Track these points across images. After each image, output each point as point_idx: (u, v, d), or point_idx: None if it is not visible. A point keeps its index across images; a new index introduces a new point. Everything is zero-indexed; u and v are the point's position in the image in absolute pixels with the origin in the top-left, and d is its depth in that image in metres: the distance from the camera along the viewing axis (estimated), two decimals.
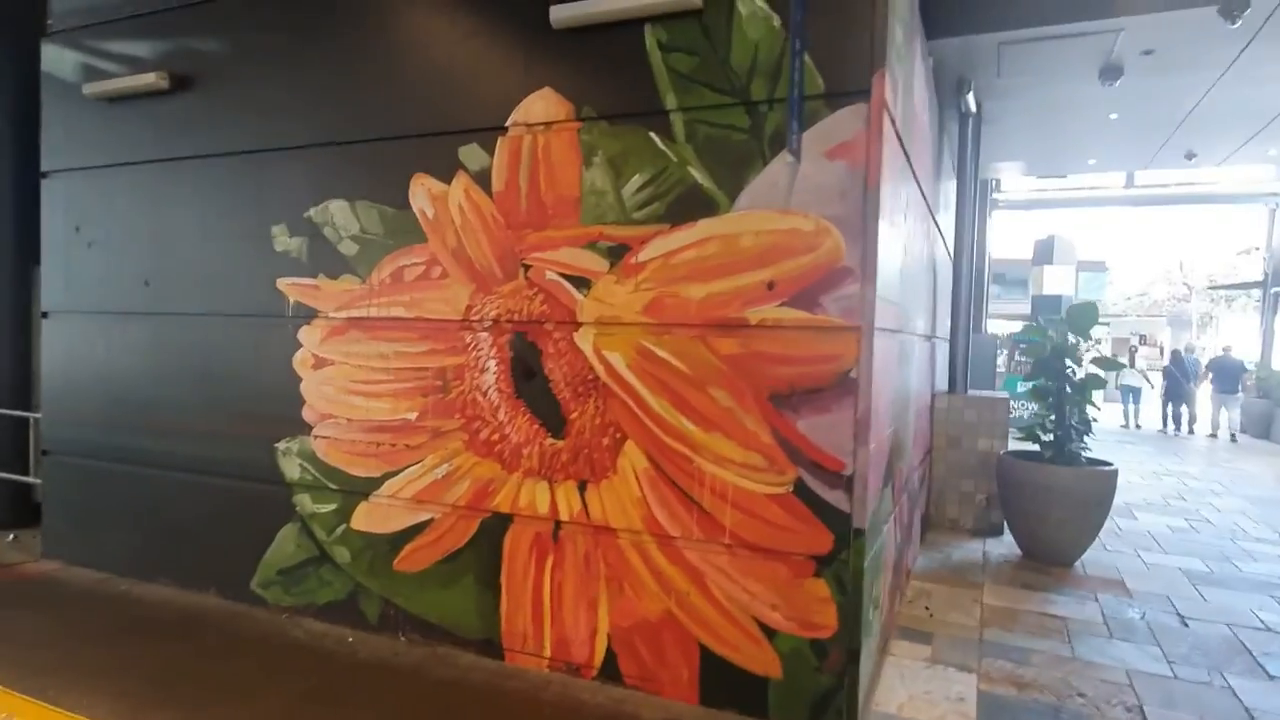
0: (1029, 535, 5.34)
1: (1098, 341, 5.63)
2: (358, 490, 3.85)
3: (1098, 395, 5.50)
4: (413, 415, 3.71)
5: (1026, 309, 18.08)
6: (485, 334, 3.54)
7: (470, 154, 3.55)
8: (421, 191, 3.66)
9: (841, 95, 2.91)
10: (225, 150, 4.17)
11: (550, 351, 3.41)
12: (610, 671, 3.32)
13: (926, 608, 4.32)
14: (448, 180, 3.60)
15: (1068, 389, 5.38)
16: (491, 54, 3.52)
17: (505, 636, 3.53)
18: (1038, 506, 5.21)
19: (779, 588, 3.02)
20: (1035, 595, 4.62)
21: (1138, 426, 15.42)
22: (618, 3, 3.16)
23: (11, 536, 5.24)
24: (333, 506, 3.91)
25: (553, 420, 3.41)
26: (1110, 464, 5.34)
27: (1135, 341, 21.55)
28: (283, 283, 4.03)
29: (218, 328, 4.23)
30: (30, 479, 5.06)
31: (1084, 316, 5.50)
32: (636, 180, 3.23)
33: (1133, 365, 16.91)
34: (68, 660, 3.42)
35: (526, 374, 3.43)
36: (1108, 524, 6.31)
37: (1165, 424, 14.55)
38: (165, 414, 4.42)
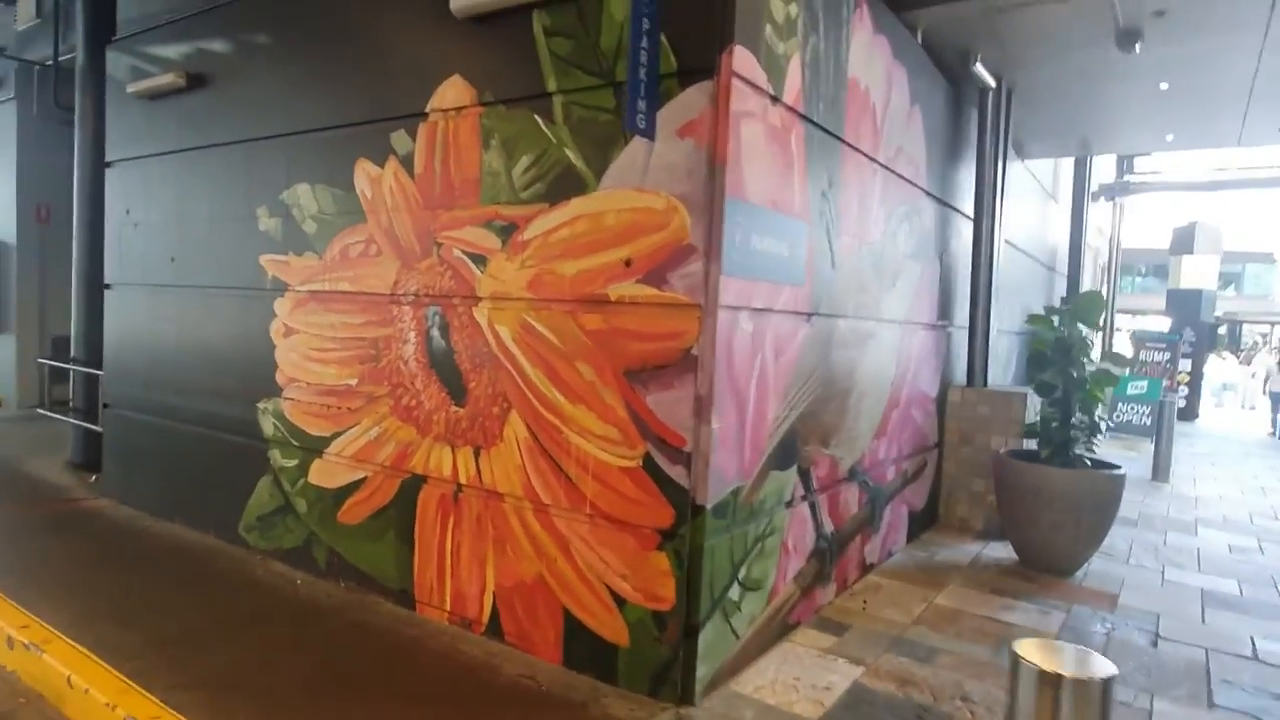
0: (1021, 540, 5.02)
1: (1120, 329, 5.11)
2: (314, 448, 4.24)
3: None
4: (353, 381, 4.05)
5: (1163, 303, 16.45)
6: (408, 308, 3.81)
7: (399, 140, 3.82)
8: (362, 175, 3.98)
9: (689, 73, 2.93)
10: (226, 140, 4.68)
11: (455, 325, 3.62)
12: (495, 628, 3.52)
13: (864, 601, 4.20)
14: (382, 164, 3.89)
15: (1074, 385, 4.98)
16: (415, 46, 3.76)
17: (417, 589, 3.80)
18: (1027, 509, 4.89)
19: (628, 559, 3.10)
20: (996, 601, 4.36)
21: None
22: None
23: (94, 478, 6.10)
24: (295, 461, 4.33)
25: (456, 389, 3.63)
26: (1117, 468, 4.91)
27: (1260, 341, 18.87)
28: (264, 259, 4.48)
29: (220, 299, 4.77)
30: (98, 428, 5.89)
31: (1090, 306, 5.07)
32: (524, 161, 3.37)
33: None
34: (57, 576, 4.02)
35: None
36: (1151, 538, 5.81)
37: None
38: (186, 375, 5.03)
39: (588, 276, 3.17)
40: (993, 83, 5.51)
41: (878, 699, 3.13)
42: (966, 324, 5.95)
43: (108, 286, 5.60)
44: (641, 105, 2.88)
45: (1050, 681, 1.45)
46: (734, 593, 3.21)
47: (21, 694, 3.14)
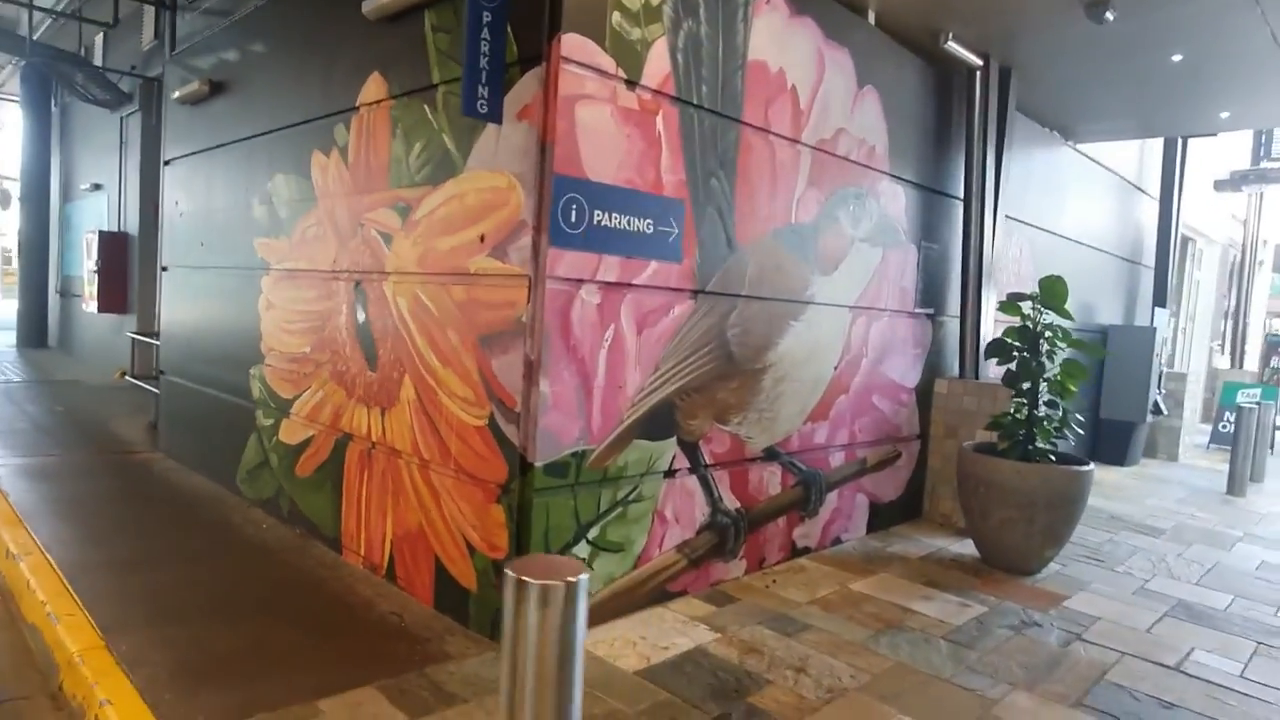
0: (976, 535, 4.83)
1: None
2: (283, 409, 4.77)
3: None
4: (307, 349, 4.54)
5: None
6: (341, 283, 4.25)
7: (339, 132, 4.25)
8: (316, 165, 4.45)
9: (527, 61, 3.15)
10: (234, 139, 5.32)
11: (372, 298, 4.01)
12: (390, 572, 3.87)
13: (773, 580, 4.23)
14: (328, 154, 4.35)
15: (1037, 376, 4.73)
16: (351, 47, 4.18)
17: (343, 536, 4.23)
18: (980, 503, 4.70)
19: (477, 511, 3.36)
20: (919, 591, 4.25)
21: None
22: None
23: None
24: (271, 421, 4.89)
25: (370, 356, 4.02)
26: (1085, 464, 4.62)
27: None
28: (256, 242, 5.08)
29: (229, 278, 5.42)
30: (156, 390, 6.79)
31: (1053, 293, 4.78)
32: (417, 148, 3.70)
33: None
34: (74, 507, 4.75)
35: None
36: (1167, 549, 5.41)
37: None
38: (208, 345, 5.74)
39: (455, 252, 3.46)
40: (977, 61, 5.29)
41: (707, 661, 3.22)
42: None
43: (164, 269, 6.46)
44: (483, 91, 3.13)
45: (522, 587, 1.58)
46: (581, 550, 3.39)
47: (2, 593, 3.81)
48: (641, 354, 3.54)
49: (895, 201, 5.08)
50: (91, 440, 6.64)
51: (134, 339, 8.36)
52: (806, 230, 4.37)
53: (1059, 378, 4.77)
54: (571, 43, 3.09)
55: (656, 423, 3.66)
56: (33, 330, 13.02)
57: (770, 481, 4.37)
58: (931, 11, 4.73)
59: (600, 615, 3.49)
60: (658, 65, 3.45)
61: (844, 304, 4.73)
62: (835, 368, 4.73)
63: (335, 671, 2.93)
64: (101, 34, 11.21)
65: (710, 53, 3.69)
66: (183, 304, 6.16)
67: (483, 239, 3.32)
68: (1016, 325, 4.91)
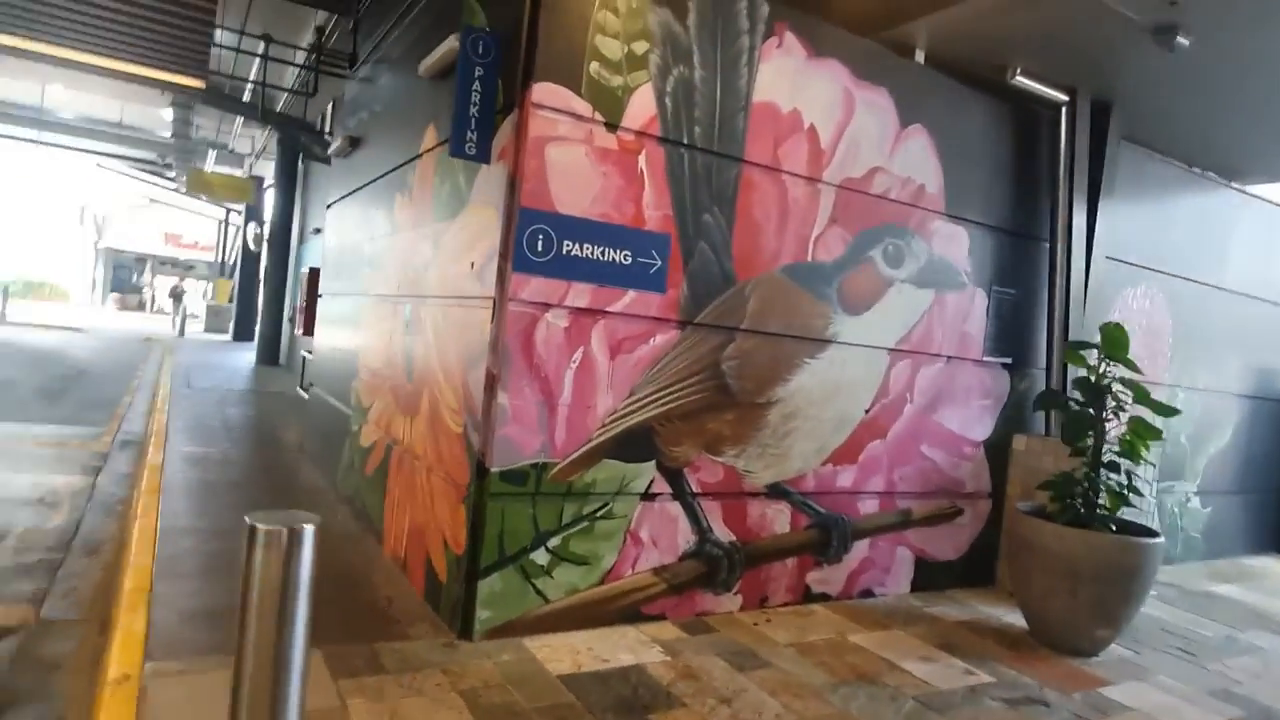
0: (1021, 605, 4.38)
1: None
2: (364, 415, 5.46)
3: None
4: (380, 364, 5.19)
5: None
6: (398, 306, 4.84)
7: (410, 177, 4.90)
8: (398, 205, 5.14)
9: (508, 108, 3.53)
10: (359, 185, 6.24)
11: (413, 318, 4.55)
12: (405, 564, 4.31)
13: (768, 619, 4.15)
14: (405, 196, 5.01)
15: (1101, 434, 4.25)
16: (419, 102, 4.83)
17: (384, 530, 4.75)
18: (1022, 568, 4.28)
19: (451, 510, 3.70)
20: (928, 652, 3.96)
21: None
22: (447, 51, 4.19)
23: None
24: (357, 427, 5.60)
25: (410, 370, 4.55)
26: (1153, 534, 4.07)
27: None
28: (363, 271, 5.89)
29: (348, 302, 6.30)
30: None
31: (1115, 341, 4.27)
32: (446, 186, 4.22)
33: None
34: (208, 489, 5.70)
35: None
36: None
37: None
38: (335, 361, 6.67)
39: (457, 276, 3.89)
40: (1061, 96, 4.94)
41: (636, 678, 3.29)
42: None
43: (319, 296, 7.59)
44: (471, 135, 3.56)
45: (253, 532, 1.85)
46: (540, 557, 3.61)
47: (120, 542, 4.71)
48: (615, 378, 3.73)
49: (954, 243, 4.85)
50: (256, 439, 7.87)
51: (304, 357, 9.76)
52: (827, 268, 4.34)
53: (1128, 438, 4.26)
54: (543, 90, 3.44)
55: (632, 445, 3.81)
56: (268, 350, 15.47)
57: (777, 519, 4.31)
58: (994, 48, 4.55)
59: (559, 623, 3.67)
60: (641, 108, 3.69)
61: (879, 345, 4.58)
62: (867, 410, 4.57)
63: (319, 637, 3.36)
64: (331, 103, 13.33)
65: (706, 95, 3.87)
66: (325, 327, 7.20)
67: (473, 265, 3.72)
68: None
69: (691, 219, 3.88)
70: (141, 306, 29.09)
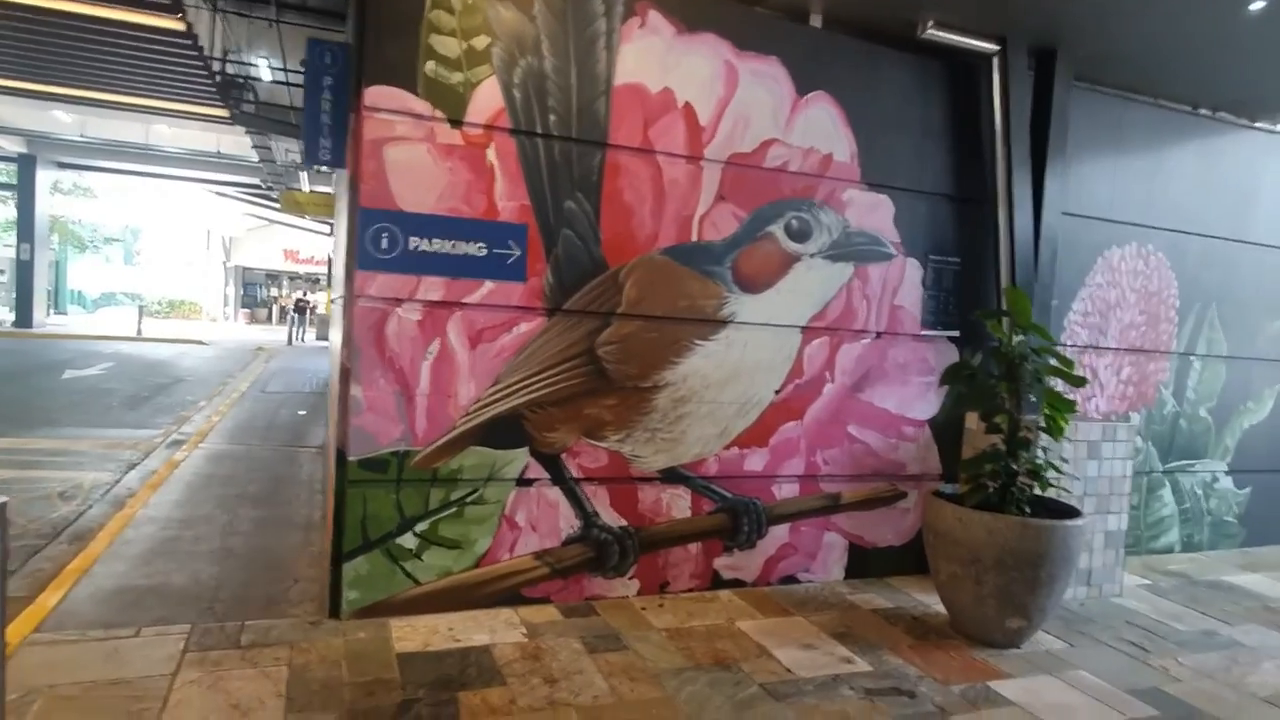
0: (939, 593, 4.13)
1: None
2: None
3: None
4: None
5: None
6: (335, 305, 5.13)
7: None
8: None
9: (355, 112, 3.70)
10: None
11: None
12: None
13: (661, 604, 4.14)
14: None
15: (1013, 410, 3.94)
16: None
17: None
18: (933, 555, 4.04)
19: (329, 497, 3.92)
20: (815, 641, 3.82)
21: None
22: None
23: None
24: None
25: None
26: (1073, 517, 3.74)
27: None
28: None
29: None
30: None
31: (1017, 305, 3.92)
32: (338, 190, 4.44)
33: None
34: (209, 481, 6.24)
35: None
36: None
37: None
38: None
39: (336, 276, 4.11)
40: (989, 46, 4.58)
41: (474, 657, 3.39)
42: None
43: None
44: (325, 142, 3.76)
45: None
46: (407, 541, 3.77)
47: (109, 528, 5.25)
48: (476, 367, 3.83)
49: (875, 212, 4.61)
50: (287, 437, 8.50)
51: None
52: (717, 247, 4.25)
53: (1046, 412, 3.94)
54: (377, 93, 3.58)
55: (501, 432, 3.90)
56: None
57: (675, 504, 4.28)
58: (899, 2, 4.29)
59: (433, 604, 3.82)
60: (487, 102, 3.76)
61: (789, 323, 4.43)
62: (777, 391, 4.44)
63: (206, 610, 3.68)
64: None
65: (560, 83, 3.89)
66: None
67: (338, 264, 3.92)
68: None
69: (552, 207, 3.91)
70: (269, 319, 31.73)
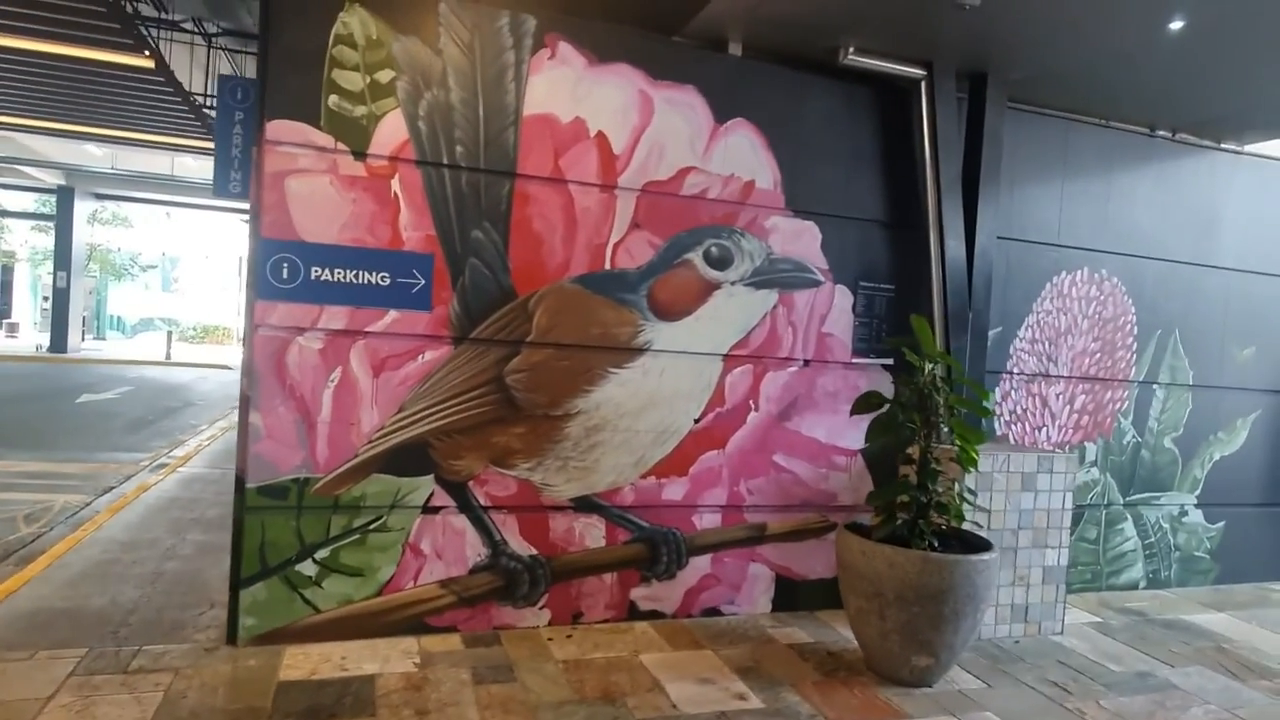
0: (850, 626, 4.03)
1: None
2: None
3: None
4: None
5: None
6: None
7: None
8: None
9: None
10: None
11: None
12: None
13: (570, 635, 4.09)
14: None
15: (927, 442, 3.85)
16: None
17: None
18: (843, 589, 3.94)
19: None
20: (715, 677, 3.75)
21: None
22: None
23: None
24: None
25: None
26: (981, 553, 3.62)
27: None
28: None
29: None
30: None
31: (919, 334, 3.83)
32: None
33: None
34: (173, 505, 6.37)
35: None
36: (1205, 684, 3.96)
37: None
38: None
39: None
40: (915, 71, 4.53)
41: (357, 687, 3.38)
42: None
43: None
44: (235, 176, 3.87)
45: None
46: (308, 568, 3.80)
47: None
48: (380, 395, 3.87)
49: (801, 239, 4.58)
50: None
51: None
52: (631, 275, 4.25)
53: (957, 442, 3.84)
54: (279, 128, 3.67)
55: (405, 459, 3.92)
56: None
57: (588, 533, 4.25)
58: (819, 29, 4.26)
59: (334, 632, 3.83)
60: (391, 134, 3.83)
61: (709, 351, 4.40)
62: (697, 420, 4.40)
63: (110, 634, 3.74)
64: None
65: (468, 115, 3.95)
66: None
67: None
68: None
69: (459, 236, 3.96)
70: None
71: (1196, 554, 5.70)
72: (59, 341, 21.26)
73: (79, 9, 6.74)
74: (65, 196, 20.94)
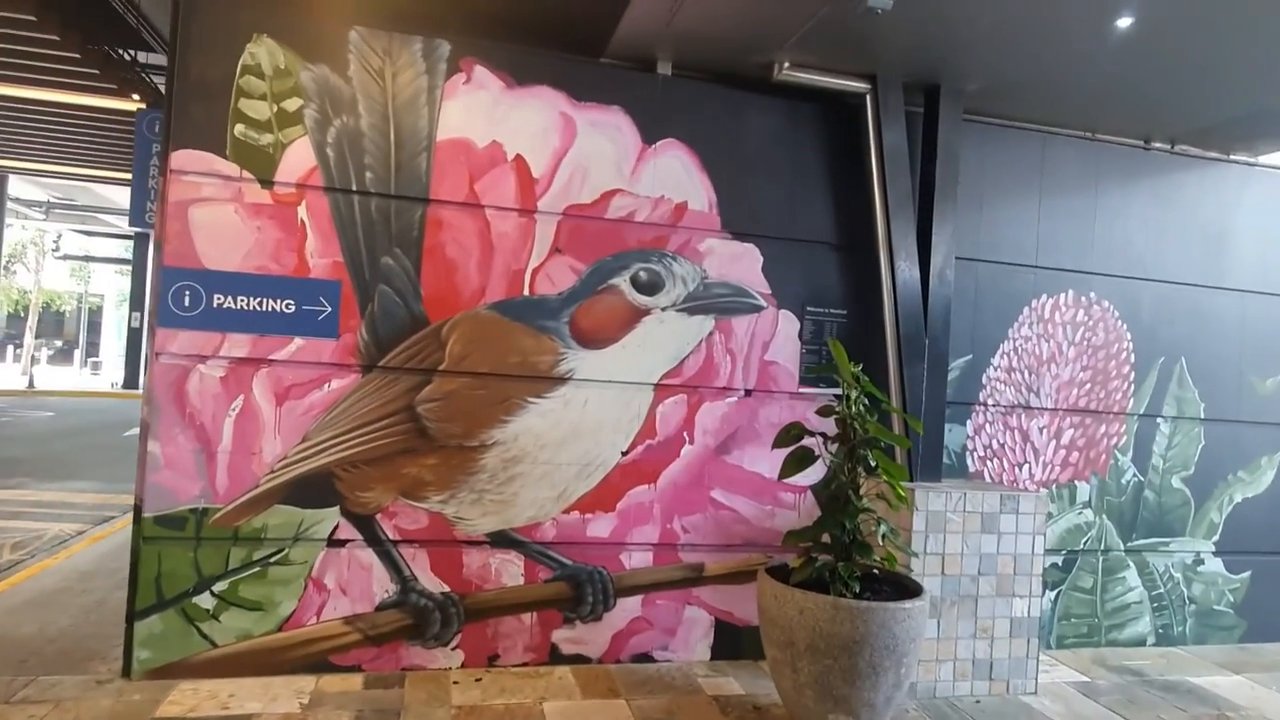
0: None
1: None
2: None
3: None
4: None
5: None
6: None
7: None
8: None
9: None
10: None
11: None
12: None
13: (478, 679, 3.88)
14: None
15: (847, 479, 3.53)
16: None
17: None
18: (762, 634, 3.63)
19: None
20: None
21: None
22: None
23: None
24: None
25: None
26: (905, 602, 3.27)
27: None
28: None
29: None
30: None
31: (836, 361, 3.52)
32: None
33: None
34: None
35: None
36: None
37: None
38: None
39: None
40: (859, 85, 4.29)
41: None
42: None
43: None
44: (151, 206, 3.91)
45: None
46: (205, 601, 3.72)
47: None
48: (283, 424, 3.80)
49: (740, 262, 4.35)
50: None
51: None
52: (552, 302, 4.10)
53: (885, 479, 3.51)
54: (183, 157, 3.69)
55: (309, 490, 3.82)
56: None
57: (505, 570, 4.05)
58: (750, 45, 4.09)
59: (233, 668, 3.73)
60: (298, 162, 3.82)
61: (637, 380, 4.20)
62: (625, 452, 4.19)
63: (20, 663, 3.75)
64: None
65: (378, 141, 3.91)
66: None
67: None
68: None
69: (367, 263, 3.89)
70: None
71: (1217, 608, 5.10)
72: (132, 378, 22.40)
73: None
74: (141, 241, 22.22)
